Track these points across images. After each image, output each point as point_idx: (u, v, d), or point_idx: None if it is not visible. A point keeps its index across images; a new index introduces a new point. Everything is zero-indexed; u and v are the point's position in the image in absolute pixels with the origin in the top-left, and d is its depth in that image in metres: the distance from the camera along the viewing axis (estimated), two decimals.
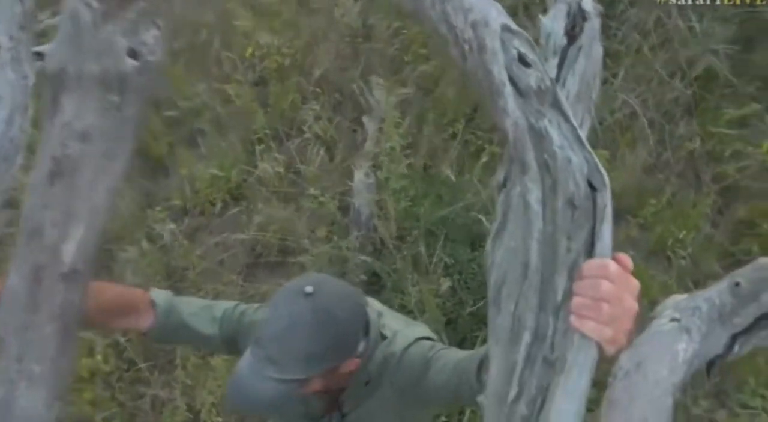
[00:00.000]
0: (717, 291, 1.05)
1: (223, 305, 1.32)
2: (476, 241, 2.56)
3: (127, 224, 3.03)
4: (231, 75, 3.47)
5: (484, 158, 2.75)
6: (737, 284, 1.03)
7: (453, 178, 2.73)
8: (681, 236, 2.59)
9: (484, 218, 2.48)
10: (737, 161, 2.81)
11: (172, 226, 2.99)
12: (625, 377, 0.92)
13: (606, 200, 0.65)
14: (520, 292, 0.72)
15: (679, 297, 1.14)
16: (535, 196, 0.67)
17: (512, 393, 0.66)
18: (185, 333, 1.27)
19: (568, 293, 0.66)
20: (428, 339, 1.25)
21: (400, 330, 1.24)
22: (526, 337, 0.67)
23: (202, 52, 3.65)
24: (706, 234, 2.73)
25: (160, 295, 1.28)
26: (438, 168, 2.88)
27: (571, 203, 0.66)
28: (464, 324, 2.39)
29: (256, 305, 1.33)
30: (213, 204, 3.12)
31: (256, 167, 3.12)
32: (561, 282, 0.66)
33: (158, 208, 3.08)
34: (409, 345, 1.20)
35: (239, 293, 2.79)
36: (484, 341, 2.40)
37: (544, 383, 0.65)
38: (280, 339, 1.05)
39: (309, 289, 1.06)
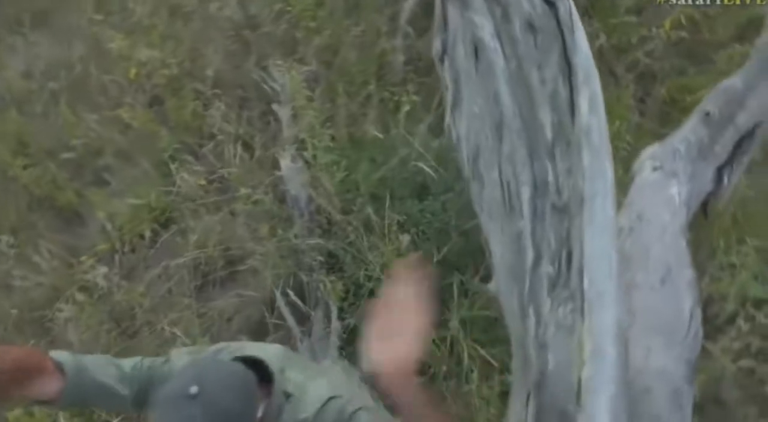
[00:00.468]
0: (690, 128, 1.00)
1: (130, 362, 1.28)
2: (422, 191, 2.48)
3: (55, 285, 2.78)
4: (120, 100, 3.24)
5: (406, 108, 2.65)
6: (707, 114, 0.98)
7: (381, 137, 2.62)
8: (615, 128, 2.58)
9: (424, 165, 2.39)
10: (644, 46, 2.83)
11: (105, 270, 2.76)
12: (631, 232, 0.84)
13: (569, 6, 0.55)
14: (500, 157, 0.62)
15: (652, 147, 1.08)
16: (487, 31, 0.57)
17: (529, 258, 0.56)
18: (98, 391, 1.21)
19: (558, 128, 0.56)
20: (340, 396, 1.21)
21: (306, 383, 1.20)
22: (525, 193, 0.57)
23: (82, 86, 3.39)
24: (637, 123, 2.74)
25: (64, 355, 1.21)
26: (363, 132, 2.77)
27: (530, 26, 0.56)
28: (435, 274, 2.30)
29: (160, 359, 1.30)
30: (142, 236, 2.90)
31: (175, 185, 2.92)
32: (546, 118, 0.57)
33: (83, 257, 2.83)
34: (323, 406, 1.15)
35: (198, 316, 2.60)
36: (461, 285, 2.33)
37: (563, 233, 0.55)
38: None
39: (193, 390, 1.00)
